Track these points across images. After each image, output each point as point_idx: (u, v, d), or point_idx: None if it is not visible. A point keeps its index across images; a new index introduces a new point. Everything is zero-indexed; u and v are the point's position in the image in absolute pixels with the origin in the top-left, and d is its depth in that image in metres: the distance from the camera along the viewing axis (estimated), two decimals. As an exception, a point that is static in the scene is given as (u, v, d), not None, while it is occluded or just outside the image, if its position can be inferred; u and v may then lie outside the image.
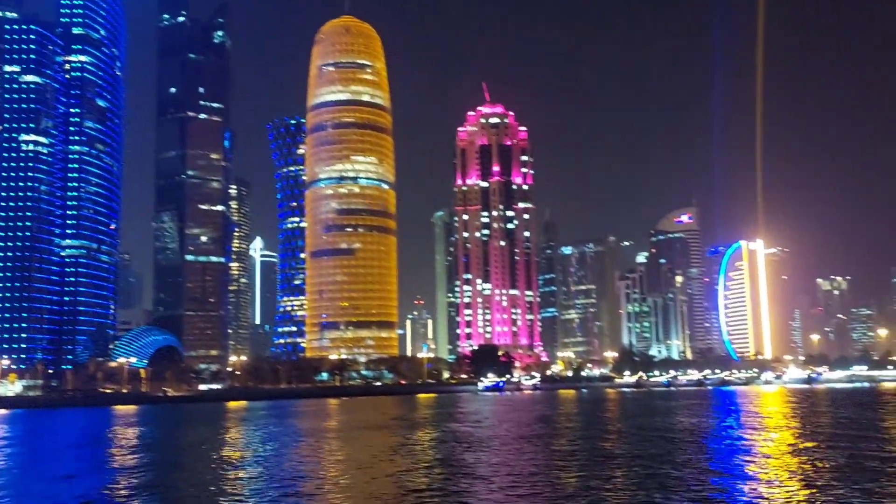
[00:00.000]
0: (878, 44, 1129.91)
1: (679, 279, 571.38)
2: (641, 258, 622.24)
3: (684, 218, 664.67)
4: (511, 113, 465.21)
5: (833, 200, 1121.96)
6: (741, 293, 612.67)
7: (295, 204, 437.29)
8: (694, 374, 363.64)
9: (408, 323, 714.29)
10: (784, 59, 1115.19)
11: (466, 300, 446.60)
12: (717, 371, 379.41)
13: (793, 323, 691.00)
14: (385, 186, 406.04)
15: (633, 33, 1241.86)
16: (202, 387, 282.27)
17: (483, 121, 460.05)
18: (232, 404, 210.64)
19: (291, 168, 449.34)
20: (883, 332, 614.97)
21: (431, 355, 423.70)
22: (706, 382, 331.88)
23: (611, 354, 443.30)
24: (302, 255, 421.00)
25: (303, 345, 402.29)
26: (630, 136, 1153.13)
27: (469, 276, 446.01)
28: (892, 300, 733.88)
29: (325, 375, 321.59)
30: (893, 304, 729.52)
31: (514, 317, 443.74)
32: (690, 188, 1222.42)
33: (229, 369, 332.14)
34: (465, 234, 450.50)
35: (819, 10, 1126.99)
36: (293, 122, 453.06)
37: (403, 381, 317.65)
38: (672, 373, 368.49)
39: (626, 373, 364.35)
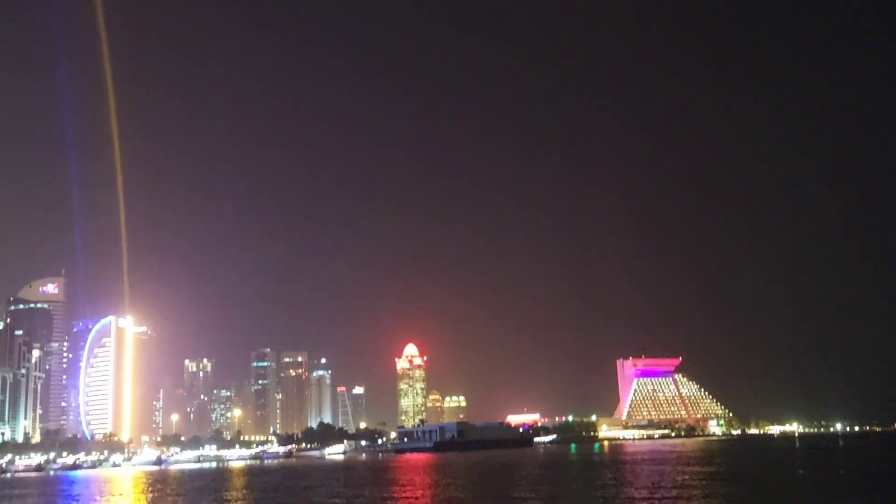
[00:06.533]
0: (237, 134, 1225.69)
1: (36, 353, 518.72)
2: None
3: (50, 288, 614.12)
4: None
5: (202, 284, 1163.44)
6: (106, 371, 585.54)
7: None
8: (37, 459, 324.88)
9: None
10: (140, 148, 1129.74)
11: None
12: (66, 454, 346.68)
13: (157, 403, 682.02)
14: None
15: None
16: None
17: None
18: None
19: None
20: (237, 413, 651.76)
21: None
22: (50, 468, 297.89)
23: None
24: None
25: None
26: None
27: None
28: (250, 382, 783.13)
29: None
30: (250, 387, 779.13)
31: None
32: (63, 257, 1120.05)
33: None
34: None
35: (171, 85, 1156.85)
36: None
37: None
38: (9, 457, 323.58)
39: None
